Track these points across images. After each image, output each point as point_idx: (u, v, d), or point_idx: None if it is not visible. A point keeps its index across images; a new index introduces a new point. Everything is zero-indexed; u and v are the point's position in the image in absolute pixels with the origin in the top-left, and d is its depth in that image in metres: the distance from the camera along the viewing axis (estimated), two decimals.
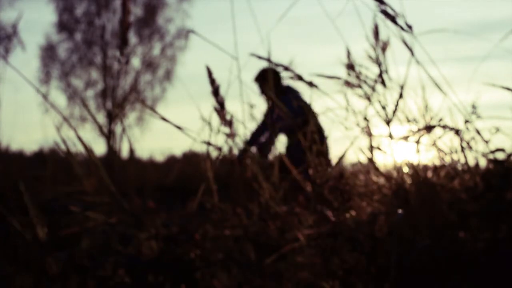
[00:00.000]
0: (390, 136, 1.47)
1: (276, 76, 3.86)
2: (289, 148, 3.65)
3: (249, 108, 1.96)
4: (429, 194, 1.24)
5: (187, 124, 1.47)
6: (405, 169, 1.40)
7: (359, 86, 1.56)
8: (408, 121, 1.50)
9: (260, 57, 1.58)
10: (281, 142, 3.77)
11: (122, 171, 1.71)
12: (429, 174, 1.37)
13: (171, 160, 8.89)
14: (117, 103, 16.78)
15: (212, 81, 1.47)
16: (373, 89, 1.54)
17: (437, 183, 1.29)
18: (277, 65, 1.59)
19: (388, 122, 1.49)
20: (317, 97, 1.63)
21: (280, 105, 1.59)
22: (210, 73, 1.48)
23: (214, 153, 1.53)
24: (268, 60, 1.59)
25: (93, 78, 17.09)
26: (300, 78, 1.59)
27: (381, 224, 1.23)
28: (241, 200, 1.44)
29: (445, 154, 1.38)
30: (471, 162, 1.32)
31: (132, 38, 16.88)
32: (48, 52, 16.95)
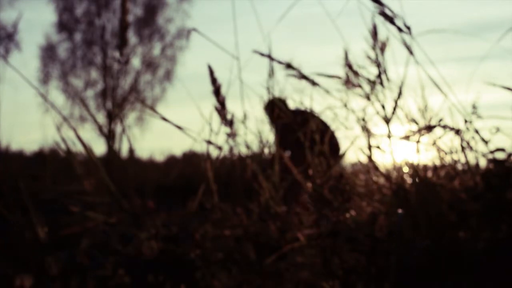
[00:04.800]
0: (390, 135, 1.47)
1: None
2: None
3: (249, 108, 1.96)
4: (429, 194, 1.24)
5: (187, 124, 1.47)
6: (405, 169, 1.40)
7: (359, 86, 1.57)
8: (408, 121, 1.50)
9: (262, 54, 1.58)
10: None
11: (122, 171, 1.71)
12: (429, 174, 1.37)
13: (171, 160, 8.88)
14: (117, 103, 16.78)
15: (214, 80, 1.47)
16: (373, 88, 1.54)
17: (437, 183, 1.29)
18: (279, 63, 1.59)
19: (387, 121, 1.49)
20: (318, 96, 1.63)
21: None
22: (211, 72, 1.48)
23: (214, 153, 1.53)
24: (270, 57, 1.60)
25: (93, 78, 17.10)
26: (302, 76, 1.59)
27: (381, 224, 1.23)
28: (241, 200, 1.44)
29: (445, 154, 1.38)
30: (471, 162, 1.32)
31: (132, 38, 16.89)
32: (48, 52, 16.96)
